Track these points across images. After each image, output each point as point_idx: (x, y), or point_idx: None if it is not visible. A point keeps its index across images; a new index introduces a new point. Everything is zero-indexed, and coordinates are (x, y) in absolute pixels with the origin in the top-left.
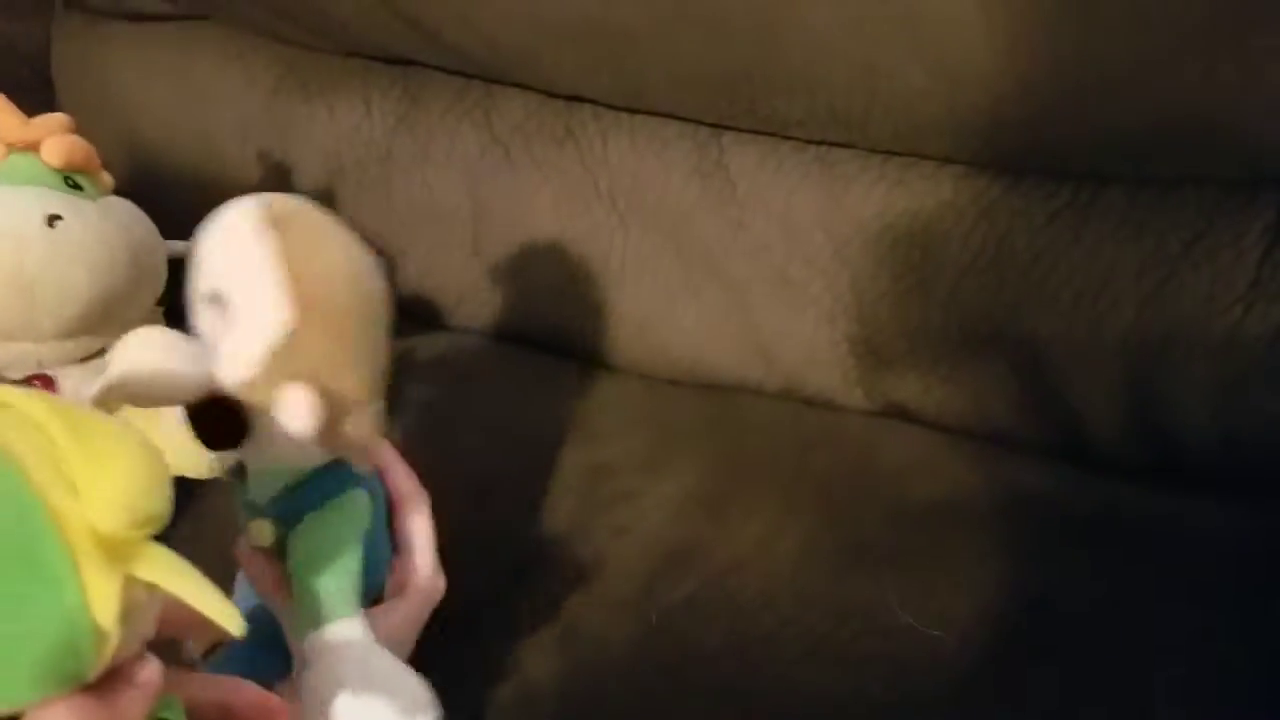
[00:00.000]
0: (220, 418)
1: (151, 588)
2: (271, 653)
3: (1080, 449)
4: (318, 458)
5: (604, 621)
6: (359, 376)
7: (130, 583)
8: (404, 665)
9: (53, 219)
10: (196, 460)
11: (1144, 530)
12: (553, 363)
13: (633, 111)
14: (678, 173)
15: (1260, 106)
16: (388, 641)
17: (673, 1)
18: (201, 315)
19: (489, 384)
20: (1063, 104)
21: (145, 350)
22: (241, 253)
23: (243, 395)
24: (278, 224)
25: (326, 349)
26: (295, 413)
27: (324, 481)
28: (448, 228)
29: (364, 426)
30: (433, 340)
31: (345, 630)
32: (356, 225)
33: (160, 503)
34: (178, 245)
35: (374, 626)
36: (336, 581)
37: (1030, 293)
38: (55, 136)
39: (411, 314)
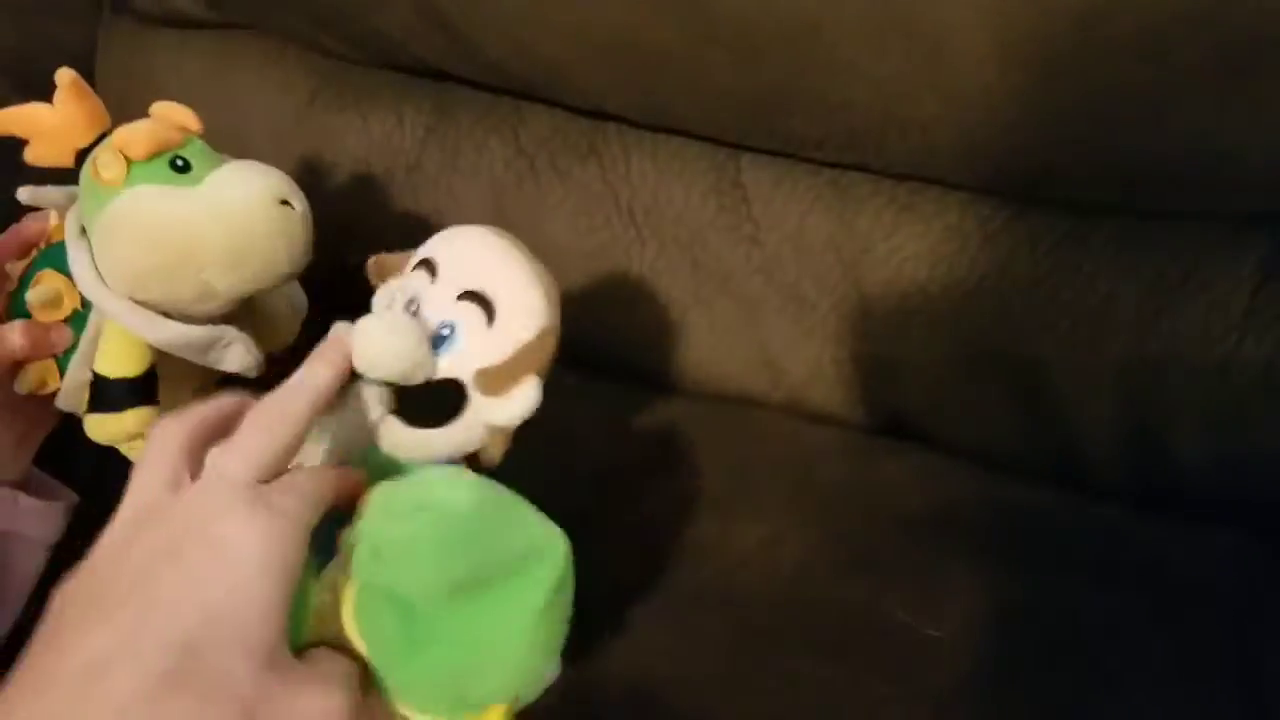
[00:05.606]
0: (430, 401)
1: None
2: None
3: (1078, 473)
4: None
5: (610, 609)
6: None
7: None
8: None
9: None
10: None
11: (1138, 554)
12: (565, 370)
13: (655, 130)
14: (696, 190)
15: (1266, 143)
16: None
17: (705, 24)
18: (449, 309)
19: None
20: (1070, 134)
21: (397, 337)
22: (507, 261)
23: (477, 382)
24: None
25: (551, 352)
26: (528, 400)
27: None
28: None
29: None
30: None
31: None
32: (382, 231)
33: None
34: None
35: None
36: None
37: (1031, 318)
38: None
39: None
